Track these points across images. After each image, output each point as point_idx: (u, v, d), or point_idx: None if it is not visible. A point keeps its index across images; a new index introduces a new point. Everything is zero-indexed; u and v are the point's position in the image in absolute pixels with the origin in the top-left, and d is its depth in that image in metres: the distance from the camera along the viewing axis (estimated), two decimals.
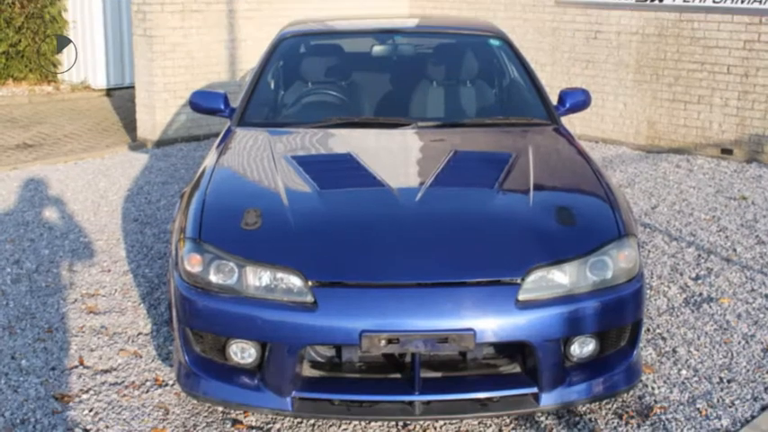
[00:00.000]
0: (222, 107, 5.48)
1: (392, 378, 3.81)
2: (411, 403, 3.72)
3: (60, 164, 8.92)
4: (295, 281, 3.72)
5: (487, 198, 4.24)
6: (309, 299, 3.68)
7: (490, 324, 3.64)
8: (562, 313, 3.72)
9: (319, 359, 3.88)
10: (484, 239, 3.91)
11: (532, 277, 3.75)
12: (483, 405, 3.76)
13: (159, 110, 9.71)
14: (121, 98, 12.69)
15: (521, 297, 3.70)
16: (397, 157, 4.89)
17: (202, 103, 5.55)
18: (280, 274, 3.75)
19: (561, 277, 3.80)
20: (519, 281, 3.73)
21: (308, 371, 3.82)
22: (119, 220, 7.05)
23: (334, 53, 6.07)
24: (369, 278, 3.73)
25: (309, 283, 3.70)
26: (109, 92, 13.15)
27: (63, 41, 12.87)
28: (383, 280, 3.72)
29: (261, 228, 3.97)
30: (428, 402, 3.73)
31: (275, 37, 6.03)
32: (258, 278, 3.77)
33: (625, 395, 4.25)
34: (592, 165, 4.68)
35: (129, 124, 10.71)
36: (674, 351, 4.77)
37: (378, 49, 6.00)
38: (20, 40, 12.74)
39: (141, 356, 4.72)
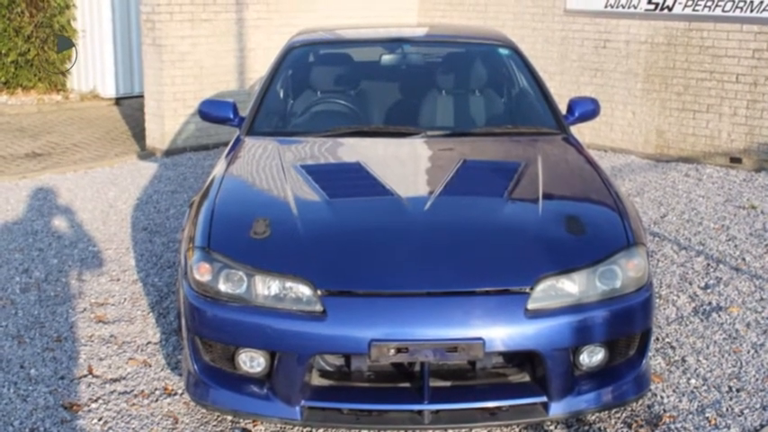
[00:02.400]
0: (231, 116, 5.50)
1: (401, 387, 3.82)
2: (420, 412, 3.73)
3: (69, 173, 8.96)
4: (304, 290, 3.74)
5: (496, 207, 4.26)
6: (318, 308, 3.70)
7: (499, 333, 3.66)
8: (571, 322, 3.73)
9: (328, 368, 3.89)
10: (493, 248, 3.93)
11: (541, 286, 3.76)
12: (492, 414, 3.77)
13: (168, 119, 9.74)
14: (130, 107, 12.74)
15: (530, 306, 3.71)
16: (406, 166, 4.91)
17: (211, 112, 5.57)
18: (289, 284, 3.76)
19: (570, 286, 3.81)
20: (528, 290, 3.74)
21: (317, 380, 3.83)
22: (128, 228, 7.08)
23: (344, 62, 6.09)
24: (378, 287, 3.74)
25: (319, 292, 3.72)
26: (118, 101, 13.20)
27: (64, 43, 12.89)
28: (392, 289, 3.73)
29: (270, 237, 3.99)
30: (437, 412, 3.74)
31: (284, 46, 6.06)
32: (267, 287, 3.79)
33: (634, 404, 4.25)
34: (601, 174, 4.69)
35: (139, 133, 10.75)
36: (684, 360, 4.77)
37: (387, 58, 6.02)
38: (29, 49, 12.79)
39: (150, 365, 4.73)
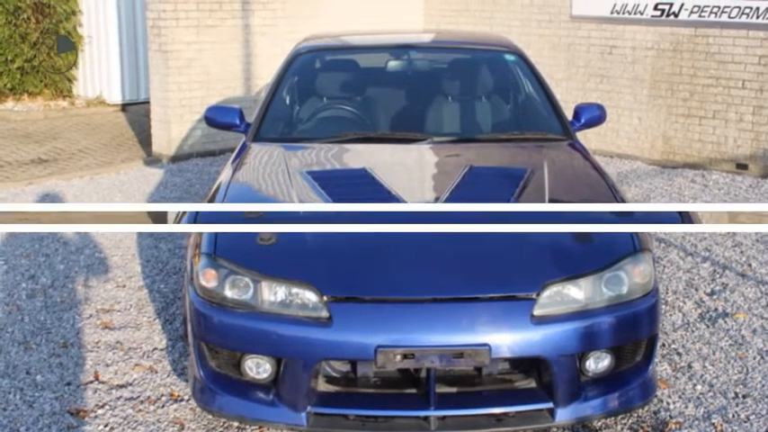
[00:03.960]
0: (237, 122, 5.51)
1: (407, 393, 3.83)
2: (426, 418, 3.73)
3: (75, 179, 8.98)
4: (310, 296, 3.75)
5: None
6: (324, 314, 3.71)
7: (505, 339, 3.67)
8: (577, 328, 3.74)
9: (334, 374, 3.90)
10: (499, 255, 3.94)
11: (548, 292, 3.77)
12: (498, 420, 3.77)
13: (174, 125, 9.77)
14: (136, 113, 12.75)
15: (536, 312, 3.72)
16: (412, 172, 4.92)
17: (217, 118, 5.58)
18: (295, 290, 3.78)
19: (576, 292, 3.82)
20: (534, 296, 3.74)
21: (323, 386, 3.84)
22: (134, 235, 7.09)
23: (350, 68, 6.10)
24: (384, 293, 3.75)
25: (324, 298, 3.73)
26: (124, 107, 13.23)
27: (64, 44, 12.90)
28: (398, 295, 3.75)
29: (276, 243, 4.01)
30: (443, 418, 3.75)
31: (290, 52, 6.08)
32: (273, 293, 3.80)
33: (640, 410, 4.25)
34: (607, 180, 4.70)
35: (144, 139, 10.76)
36: (690, 366, 4.76)
37: (393, 64, 6.02)
38: (35, 56, 12.83)
39: (157, 372, 4.74)
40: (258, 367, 3.85)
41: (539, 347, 3.70)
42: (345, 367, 3.90)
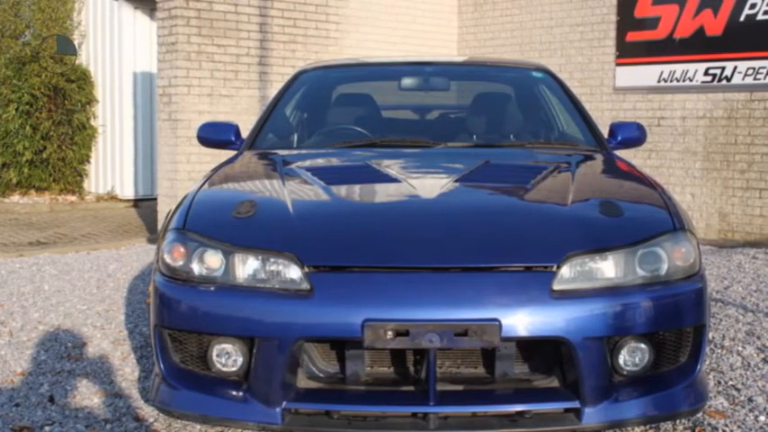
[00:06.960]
0: (233, 139, 5.18)
1: (402, 389, 3.40)
2: (425, 416, 3.29)
3: (71, 252, 8.74)
4: (289, 266, 3.38)
5: (521, 190, 3.92)
6: (305, 286, 3.33)
7: (519, 315, 3.24)
8: (605, 308, 3.33)
9: (320, 374, 3.47)
10: (514, 223, 3.58)
11: (570, 265, 3.37)
12: (512, 421, 3.31)
13: None
14: (149, 208, 12.56)
15: (556, 287, 3.31)
16: (421, 167, 4.58)
17: (211, 136, 5.27)
18: (272, 260, 3.41)
19: (605, 268, 3.42)
20: (554, 268, 3.34)
21: (303, 381, 3.42)
22: (124, 292, 6.76)
23: (357, 87, 5.85)
24: (375, 261, 3.36)
25: (306, 268, 3.35)
26: (136, 203, 13.09)
27: (64, 45, 12.84)
28: (392, 263, 3.36)
29: (255, 215, 3.67)
30: (446, 417, 3.30)
31: (294, 71, 5.85)
32: (248, 265, 3.44)
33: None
34: (643, 172, 4.34)
35: (153, 226, 10.51)
36: (750, 400, 4.27)
37: (407, 81, 5.69)
38: (45, 147, 12.79)
39: (121, 397, 4.33)
40: (228, 358, 3.46)
41: (559, 327, 3.26)
42: (333, 367, 3.48)
